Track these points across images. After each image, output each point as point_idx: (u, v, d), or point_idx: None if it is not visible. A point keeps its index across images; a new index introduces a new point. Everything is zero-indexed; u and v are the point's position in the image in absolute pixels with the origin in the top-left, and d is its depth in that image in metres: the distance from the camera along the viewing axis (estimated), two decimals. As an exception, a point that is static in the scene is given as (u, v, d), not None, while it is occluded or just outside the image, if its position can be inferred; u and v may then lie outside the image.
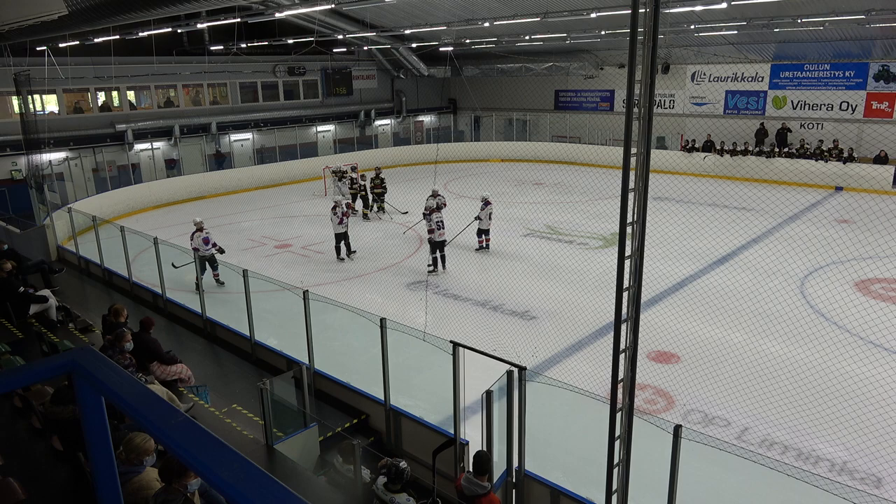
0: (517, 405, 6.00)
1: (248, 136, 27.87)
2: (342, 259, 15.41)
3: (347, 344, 10.28)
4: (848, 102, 24.20)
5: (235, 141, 27.39)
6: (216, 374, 9.29)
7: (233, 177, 25.33)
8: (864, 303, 12.07)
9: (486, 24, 20.84)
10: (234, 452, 1.44)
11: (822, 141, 24.26)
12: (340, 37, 25.24)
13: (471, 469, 5.35)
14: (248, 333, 9.66)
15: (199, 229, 13.40)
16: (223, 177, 25.19)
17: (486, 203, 15.62)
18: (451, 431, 6.58)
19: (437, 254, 14.28)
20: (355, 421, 7.76)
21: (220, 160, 26.63)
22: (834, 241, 16.26)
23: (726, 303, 12.17)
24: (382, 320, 7.28)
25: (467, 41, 27.07)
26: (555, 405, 7.99)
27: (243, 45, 24.84)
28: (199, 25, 20.05)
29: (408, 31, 24.21)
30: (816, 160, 23.74)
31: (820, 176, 23.39)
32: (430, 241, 14.34)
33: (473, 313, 11.91)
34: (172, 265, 12.72)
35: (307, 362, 8.48)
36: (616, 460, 4.95)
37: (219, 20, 19.61)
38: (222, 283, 13.52)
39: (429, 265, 14.38)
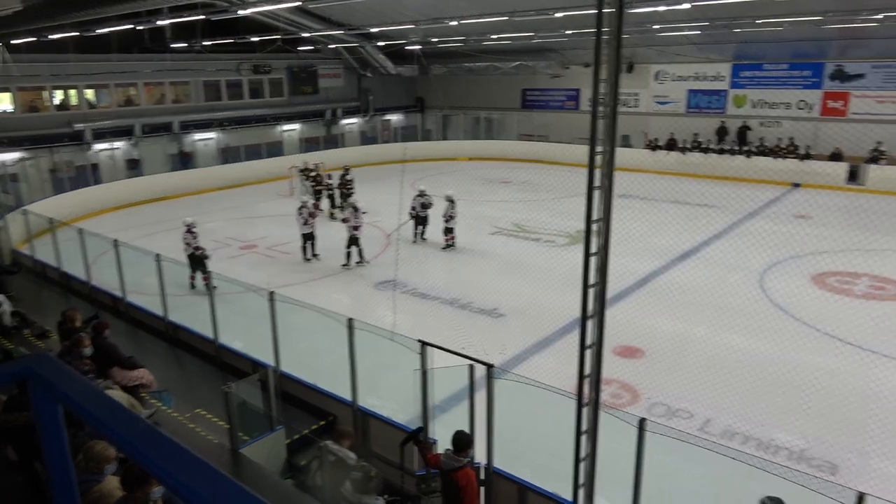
0: (486, 403, 6.03)
1: (212, 135, 27.42)
2: (308, 259, 15.29)
3: (314, 345, 10.20)
4: (805, 101, 24.90)
5: (199, 140, 26.91)
6: (179, 379, 9.13)
7: (196, 177, 24.88)
8: (821, 296, 12.45)
9: (454, 23, 20.88)
10: (197, 458, 1.42)
11: (780, 139, 24.92)
12: (306, 35, 25.03)
13: (451, 447, 5.59)
14: (212, 336, 9.51)
15: (191, 229, 13.20)
16: (187, 177, 24.73)
17: (451, 202, 15.76)
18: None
19: (352, 248, 14.55)
20: (323, 423, 7.71)
21: (184, 160, 26.14)
22: (792, 236, 16.73)
23: (689, 297, 12.43)
24: (350, 321, 7.25)
25: (434, 40, 27.06)
26: (523, 402, 8.06)
27: (206, 43, 24.41)
28: (160, 22, 19.64)
29: (375, 30, 24.10)
30: (775, 157, 24.37)
31: (778, 173, 24.00)
32: (351, 237, 14.62)
33: (442, 312, 11.93)
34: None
35: (273, 364, 8.39)
36: (583, 454, 5.02)
37: (181, 17, 19.23)
38: (215, 287, 12.73)
39: (355, 262, 14.68)
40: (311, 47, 29.31)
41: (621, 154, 5.08)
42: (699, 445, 5.33)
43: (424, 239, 16.55)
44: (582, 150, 4.55)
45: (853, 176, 22.81)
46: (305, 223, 15.11)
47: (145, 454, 1.47)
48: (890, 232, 17.06)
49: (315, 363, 9.33)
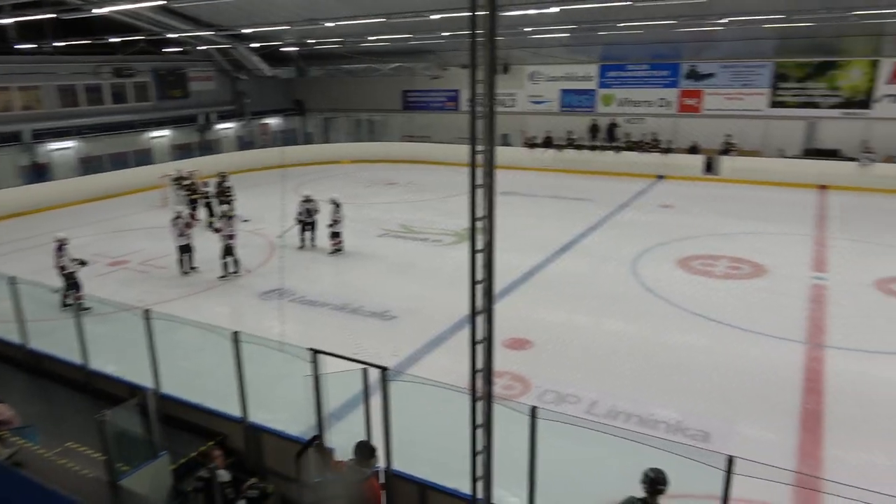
0: (381, 406, 5.99)
1: (71, 143, 25.25)
2: (186, 273, 14.49)
3: (199, 362, 9.68)
4: (665, 99, 26.86)
5: (55, 150, 24.70)
6: (45, 412, 8.33)
7: (54, 190, 22.81)
8: (686, 278, 13.49)
9: (330, 25, 20.58)
10: (63, 498, 1.29)
11: (645, 134, 26.77)
12: (172, 35, 23.67)
13: (354, 457, 5.50)
14: (81, 362, 8.76)
15: (62, 245, 12.11)
16: (42, 190, 22.60)
17: (336, 205, 15.56)
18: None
19: (228, 258, 14.08)
20: (211, 444, 7.33)
21: (38, 172, 23.87)
22: (658, 225, 18.03)
23: (570, 288, 13.04)
24: (235, 334, 6.94)
25: (311, 41, 26.54)
26: (419, 402, 8.09)
27: (59, 44, 22.45)
28: (2, 21, 17.80)
29: (247, 31, 23.25)
30: (641, 152, 26.16)
31: (644, 166, 25.79)
32: (226, 246, 14.05)
33: (332, 318, 11.72)
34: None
35: (153, 387, 7.87)
36: (479, 448, 5.11)
37: (26, 15, 17.55)
38: (88, 308, 11.70)
39: (231, 272, 14.17)
40: (179, 49, 27.78)
41: (501, 152, 5.22)
42: (587, 427, 5.59)
43: (315, 245, 16.20)
44: (464, 150, 4.63)
45: (709, 167, 24.93)
46: (181, 234, 14.31)
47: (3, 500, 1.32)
48: (743, 217, 18.80)
49: (200, 381, 8.85)
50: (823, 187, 22.85)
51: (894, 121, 22.95)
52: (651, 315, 11.59)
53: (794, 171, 23.67)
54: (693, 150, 25.65)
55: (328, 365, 6.33)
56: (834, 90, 23.87)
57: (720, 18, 19.37)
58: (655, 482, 4.66)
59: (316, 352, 6.20)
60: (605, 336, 10.73)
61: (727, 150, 24.96)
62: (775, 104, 24.91)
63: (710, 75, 25.82)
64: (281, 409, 8.32)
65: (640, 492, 4.73)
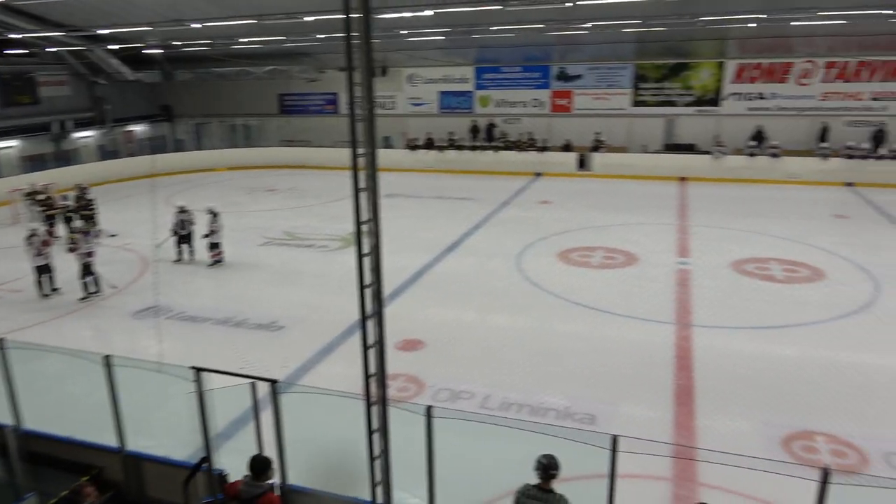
0: (273, 420, 5.79)
1: None
2: (47, 295, 13.24)
3: (68, 393, 8.90)
4: (538, 99, 28.01)
5: None
6: None
7: None
8: (567, 270, 14.15)
9: (197, 26, 19.60)
10: None
11: (522, 134, 27.78)
12: (16, 36, 21.55)
13: (249, 473, 5.35)
14: (-77, 403, 7.76)
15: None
16: None
17: (214, 214, 14.85)
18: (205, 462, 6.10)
19: (87, 277, 13.12)
20: (86, 478, 6.75)
21: None
22: (538, 221, 18.79)
23: (459, 286, 13.28)
24: (107, 358, 6.44)
25: (178, 43, 25.11)
26: (313, 412, 7.90)
27: None
28: None
29: (104, 31, 21.63)
30: (519, 151, 27.13)
31: (522, 165, 26.77)
32: (84, 265, 13.03)
33: (215, 333, 11.18)
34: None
35: (13, 424, 7.13)
36: (377, 452, 5.08)
37: None
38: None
39: (91, 291, 13.16)
40: (25, 50, 25.32)
41: (383, 155, 5.22)
42: (481, 421, 5.72)
43: (193, 258, 15.35)
44: (345, 154, 4.58)
45: (582, 164, 26.31)
46: (38, 254, 13.06)
47: None
48: (615, 210, 20.00)
49: (70, 413, 8.14)
50: (683, 179, 24.81)
51: (740, 117, 25.38)
52: (536, 307, 12.05)
53: (656, 164, 25.52)
54: (567, 148, 26.96)
55: (214, 383, 6.04)
56: (687, 89, 25.99)
57: (584, 23, 20.49)
58: (548, 468, 4.84)
59: (199, 370, 5.89)
60: (494, 331, 11.02)
61: (597, 147, 26.46)
62: (637, 103, 26.74)
63: (578, 77, 27.25)
64: (164, 435, 7.84)
65: (534, 478, 4.90)
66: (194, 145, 31.93)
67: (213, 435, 6.10)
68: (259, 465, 5.38)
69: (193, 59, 28.89)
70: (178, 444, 7.12)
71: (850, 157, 23.45)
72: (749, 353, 9.90)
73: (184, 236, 15.37)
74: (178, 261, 15.33)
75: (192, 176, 27.92)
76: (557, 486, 4.92)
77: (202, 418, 5.99)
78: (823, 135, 24.40)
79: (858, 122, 24.39)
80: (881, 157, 23.32)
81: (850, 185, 23.16)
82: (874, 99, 24.11)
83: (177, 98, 32.64)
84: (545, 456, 4.90)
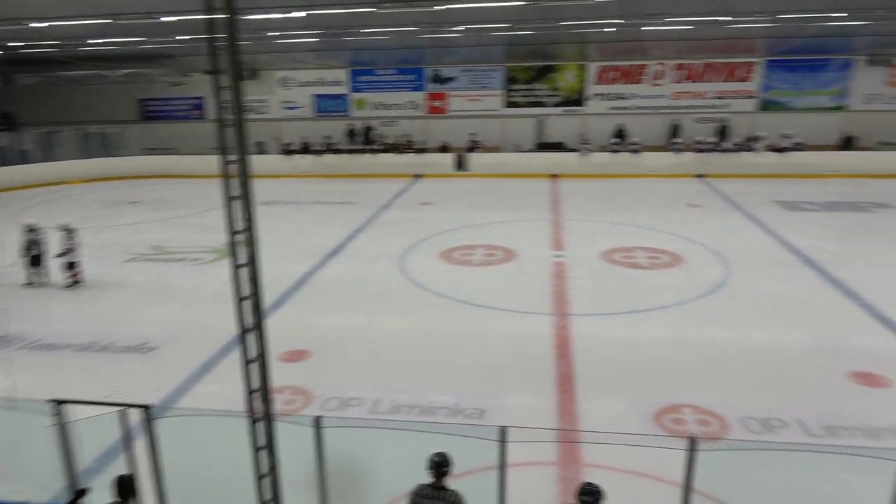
0: (147, 449, 5.41)
1: None
2: None
3: None
4: (413, 102, 28.26)
5: None
6: None
7: None
8: (450, 269, 14.38)
9: (39, 25, 17.90)
10: None
11: (399, 136, 27.90)
12: None
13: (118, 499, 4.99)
14: None
15: None
16: None
17: (68, 231, 13.62)
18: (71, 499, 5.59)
19: None
20: (-73, 535, 5.97)
21: None
22: (420, 222, 18.98)
23: (343, 291, 13.11)
24: (-55, 397, 5.72)
25: (17, 44, 22.76)
26: (194, 435, 7.47)
27: None
28: None
29: (-79, 31, 19.19)
30: (397, 153, 27.23)
31: (402, 167, 26.91)
32: None
33: (77, 360, 10.26)
34: None
35: None
36: (264, 470, 4.89)
37: None
38: None
39: None
40: None
41: (257, 161, 5.04)
42: (372, 427, 5.67)
43: (47, 280, 13.96)
44: (214, 161, 4.36)
45: (460, 164, 26.87)
46: None
47: None
48: (492, 208, 20.61)
49: None
50: (555, 176, 26.03)
51: (602, 116, 27.03)
52: (421, 308, 12.14)
53: (529, 163, 26.60)
54: (444, 149, 27.41)
55: (78, 415, 5.55)
56: (555, 90, 27.31)
57: (456, 26, 20.91)
58: (440, 465, 4.89)
59: (59, 402, 5.39)
60: (380, 334, 10.97)
61: (473, 147, 27.14)
62: (509, 104, 27.73)
63: (452, 79, 27.79)
64: (21, 478, 7.09)
65: (428, 478, 4.93)
66: (43, 156, 29.13)
67: (79, 471, 5.61)
68: (124, 487, 5.02)
69: (38, 62, 26.33)
70: (40, 487, 6.49)
71: (700, 150, 25.73)
72: (620, 337, 10.55)
73: (35, 257, 13.97)
74: (30, 284, 13.92)
75: (40, 190, 25.50)
76: (452, 482, 4.98)
77: (66, 456, 5.49)
78: (675, 131, 26.61)
79: (705, 118, 26.82)
80: (726, 150, 25.80)
81: (700, 176, 25.39)
82: (718, 97, 26.62)
83: (19, 104, 29.65)
84: (437, 454, 4.94)
